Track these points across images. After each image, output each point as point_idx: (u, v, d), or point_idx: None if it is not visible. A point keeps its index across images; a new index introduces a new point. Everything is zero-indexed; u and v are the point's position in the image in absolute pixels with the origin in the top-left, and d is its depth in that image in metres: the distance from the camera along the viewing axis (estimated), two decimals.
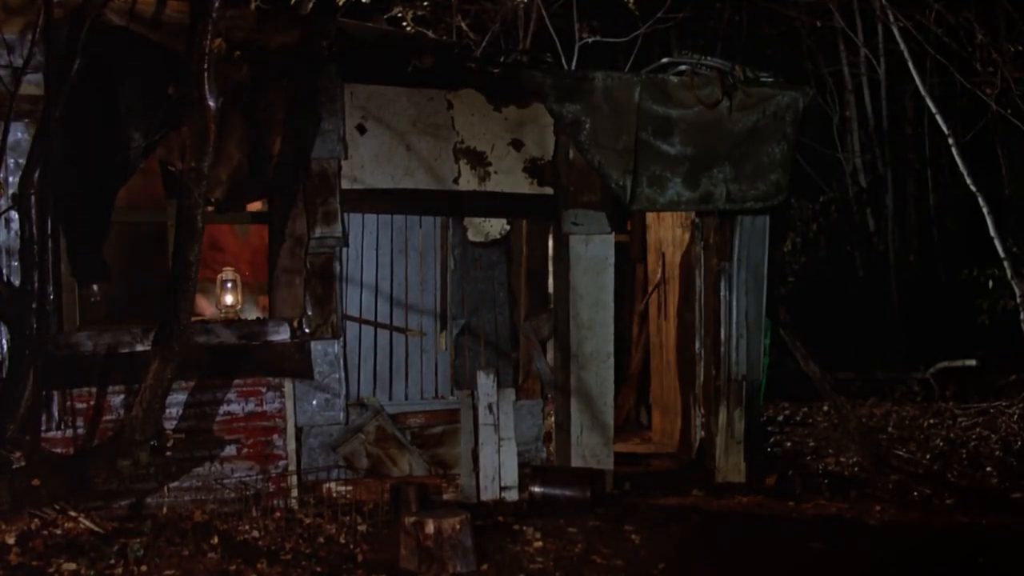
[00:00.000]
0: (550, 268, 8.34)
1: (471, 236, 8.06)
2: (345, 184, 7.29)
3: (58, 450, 6.53)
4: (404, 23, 11.33)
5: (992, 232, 10.54)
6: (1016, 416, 9.62)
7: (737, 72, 8.08)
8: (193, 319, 6.65)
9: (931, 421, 9.78)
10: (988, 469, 8.41)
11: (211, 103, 6.00)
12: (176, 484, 6.78)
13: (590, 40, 11.74)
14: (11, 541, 5.78)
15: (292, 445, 7.12)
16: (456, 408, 7.70)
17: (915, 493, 7.77)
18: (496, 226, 8.07)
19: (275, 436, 7.08)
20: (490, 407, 7.50)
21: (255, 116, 6.98)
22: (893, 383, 10.96)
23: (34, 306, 6.32)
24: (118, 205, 7.02)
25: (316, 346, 7.19)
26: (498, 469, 7.46)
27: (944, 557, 6.23)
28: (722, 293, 8.22)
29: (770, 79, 8.31)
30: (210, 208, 6.92)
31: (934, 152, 15.28)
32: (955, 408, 10.00)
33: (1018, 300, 10.56)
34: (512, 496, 7.43)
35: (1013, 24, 11.07)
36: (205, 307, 8.79)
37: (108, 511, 6.45)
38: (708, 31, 14.51)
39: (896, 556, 6.24)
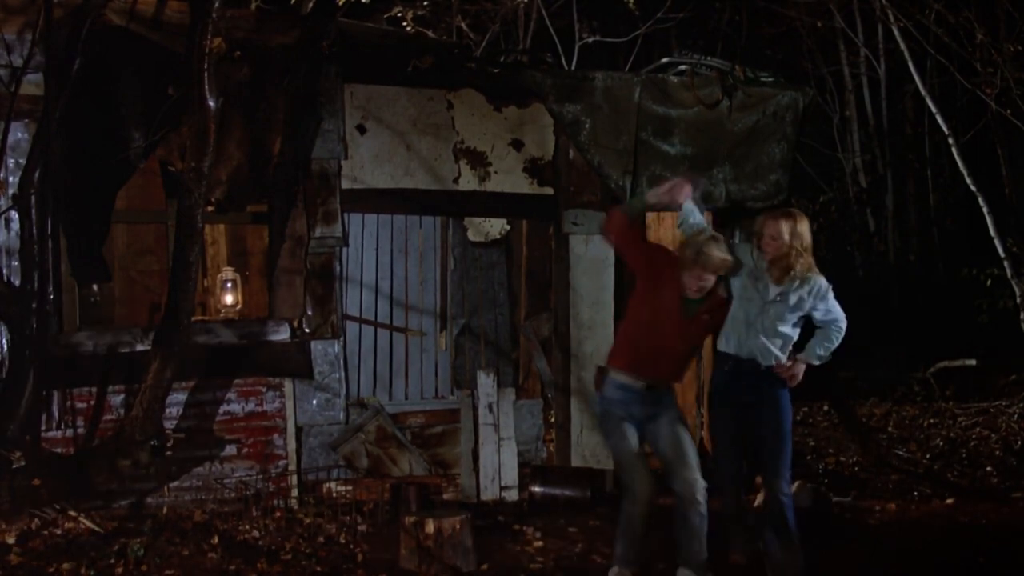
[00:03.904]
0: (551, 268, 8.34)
1: (471, 236, 8.07)
2: (345, 184, 7.29)
3: (58, 450, 6.53)
4: (404, 23, 11.33)
5: (992, 232, 10.54)
6: (1016, 416, 9.62)
7: (737, 72, 8.09)
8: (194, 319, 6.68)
9: (931, 421, 9.79)
10: (988, 469, 8.41)
11: (211, 103, 6.00)
12: (176, 484, 6.77)
13: (590, 40, 11.75)
14: (11, 541, 5.78)
15: (292, 445, 7.12)
16: (456, 408, 7.70)
17: (915, 493, 7.77)
18: (496, 226, 8.08)
19: (275, 436, 7.08)
20: (490, 407, 7.50)
21: (255, 116, 6.98)
22: (893, 383, 10.96)
23: (34, 306, 6.32)
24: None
25: (316, 346, 7.19)
26: (498, 469, 7.46)
27: (944, 557, 6.23)
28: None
29: (770, 79, 8.31)
30: (210, 208, 6.93)
31: (934, 152, 15.29)
32: (955, 408, 10.00)
33: (1018, 300, 10.56)
34: (512, 496, 7.43)
35: (1013, 24, 11.07)
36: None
37: (108, 511, 6.44)
38: (708, 31, 14.51)
39: (896, 556, 6.24)
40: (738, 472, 5.66)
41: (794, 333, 5.40)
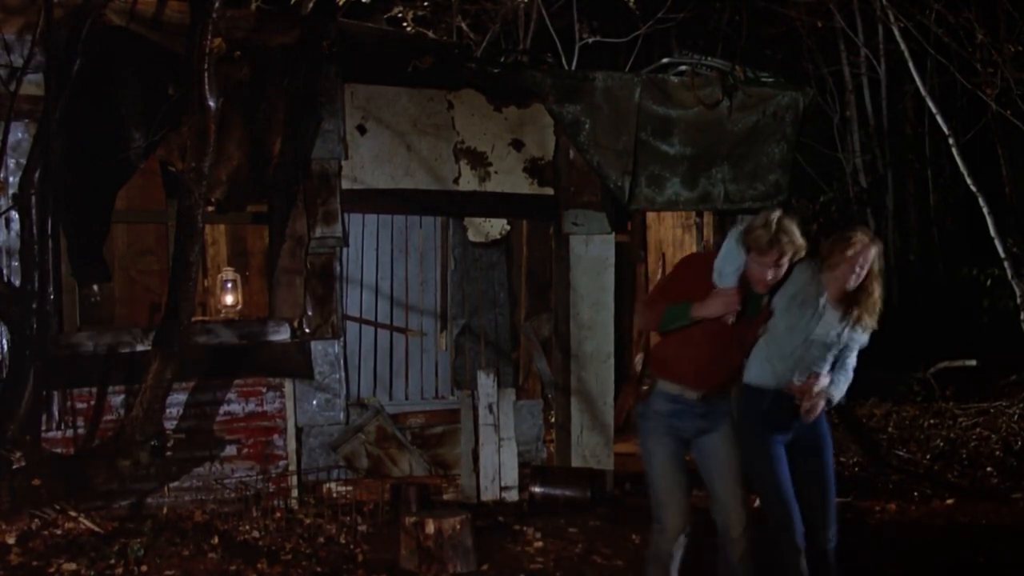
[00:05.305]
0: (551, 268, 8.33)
1: (471, 236, 8.07)
2: (345, 184, 7.29)
3: (58, 450, 6.53)
4: (404, 23, 11.33)
5: (992, 232, 10.54)
6: (1016, 416, 9.62)
7: (737, 72, 8.08)
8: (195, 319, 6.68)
9: (931, 421, 9.78)
10: (988, 469, 8.41)
11: (211, 103, 6.00)
12: (176, 484, 6.77)
13: (590, 40, 11.75)
14: (11, 541, 5.78)
15: (292, 445, 7.12)
16: (456, 408, 7.70)
17: (915, 493, 7.77)
18: (496, 226, 8.07)
19: (275, 436, 7.08)
20: (490, 407, 7.50)
21: (255, 116, 6.98)
22: (893, 383, 10.95)
23: (34, 306, 6.32)
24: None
25: (316, 346, 7.19)
26: (498, 469, 7.46)
27: (944, 557, 6.23)
28: None
29: (770, 79, 8.31)
30: (210, 208, 6.93)
31: (934, 152, 15.30)
32: (955, 408, 9.99)
33: (1018, 300, 10.56)
34: (512, 496, 7.43)
35: (1013, 24, 11.06)
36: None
37: (108, 511, 6.45)
38: (708, 31, 14.52)
39: (896, 556, 6.24)
40: (797, 523, 4.62)
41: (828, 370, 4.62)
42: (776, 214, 4.36)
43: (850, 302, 4.46)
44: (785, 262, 4.38)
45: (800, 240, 4.36)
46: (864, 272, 4.41)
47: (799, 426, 4.57)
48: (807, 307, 4.47)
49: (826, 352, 4.54)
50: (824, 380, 4.52)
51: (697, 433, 4.65)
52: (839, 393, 4.61)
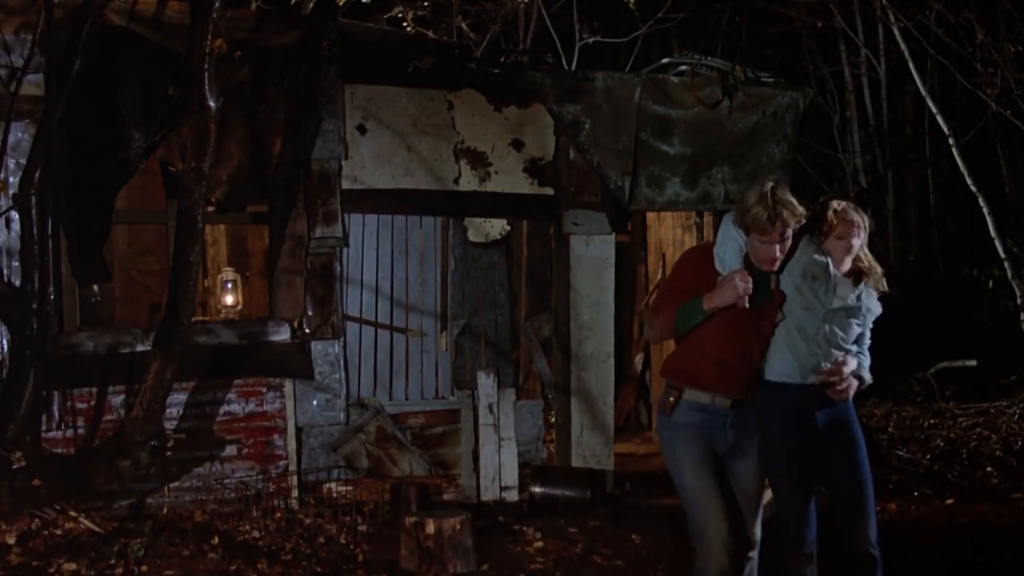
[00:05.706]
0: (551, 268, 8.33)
1: (471, 236, 8.07)
2: (345, 184, 7.29)
3: (58, 450, 6.53)
4: (404, 23, 11.33)
5: (992, 232, 10.54)
6: (1016, 416, 9.62)
7: (737, 72, 8.08)
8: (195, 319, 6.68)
9: (931, 421, 9.78)
10: (988, 469, 8.41)
11: (211, 103, 6.00)
12: (176, 484, 6.77)
13: (590, 40, 11.74)
14: (11, 541, 5.78)
15: (292, 445, 7.12)
16: (456, 408, 7.70)
17: (915, 493, 7.77)
18: (496, 226, 8.08)
19: (275, 436, 7.08)
20: (490, 407, 7.51)
21: (255, 116, 6.98)
22: (893, 383, 10.95)
23: (34, 306, 6.32)
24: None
25: (316, 346, 7.19)
26: (498, 469, 7.46)
27: (944, 557, 6.23)
28: None
29: (770, 79, 8.31)
30: (210, 208, 6.93)
31: (934, 152, 15.29)
32: (955, 408, 10.00)
33: (1018, 301, 10.56)
34: (512, 496, 7.43)
35: (1013, 24, 11.06)
36: None
37: (108, 511, 6.45)
38: (708, 31, 14.51)
39: (896, 556, 6.24)
40: (811, 531, 4.48)
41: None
42: (768, 187, 4.17)
43: (855, 270, 4.38)
44: (790, 234, 4.20)
45: (800, 208, 4.16)
46: (862, 231, 4.34)
47: (826, 422, 4.34)
48: (819, 281, 4.30)
49: (848, 325, 4.35)
50: (852, 361, 4.33)
51: (727, 446, 4.38)
52: (867, 373, 4.41)
